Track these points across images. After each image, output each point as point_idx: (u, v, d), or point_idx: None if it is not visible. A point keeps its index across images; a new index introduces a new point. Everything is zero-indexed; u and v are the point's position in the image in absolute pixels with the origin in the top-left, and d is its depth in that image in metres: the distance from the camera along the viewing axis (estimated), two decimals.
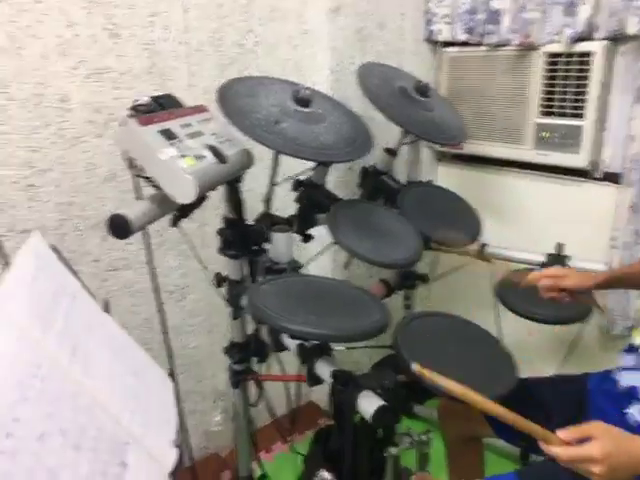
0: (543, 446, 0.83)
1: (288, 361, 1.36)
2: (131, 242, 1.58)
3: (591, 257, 1.57)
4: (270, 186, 1.40)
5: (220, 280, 1.41)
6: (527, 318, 1.37)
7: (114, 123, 1.45)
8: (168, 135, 0.95)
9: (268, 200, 1.42)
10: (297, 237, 1.45)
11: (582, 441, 0.80)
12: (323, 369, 1.05)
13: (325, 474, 1.04)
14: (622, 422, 1.01)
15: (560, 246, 1.62)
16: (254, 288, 0.98)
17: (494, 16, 1.76)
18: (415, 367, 0.87)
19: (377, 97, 1.42)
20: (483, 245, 1.66)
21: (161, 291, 1.45)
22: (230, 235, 1.33)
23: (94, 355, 0.63)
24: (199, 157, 0.98)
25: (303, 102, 1.23)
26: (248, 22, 1.63)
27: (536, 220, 1.89)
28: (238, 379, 1.47)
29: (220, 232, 1.35)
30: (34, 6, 1.27)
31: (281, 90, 1.29)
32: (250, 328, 1.46)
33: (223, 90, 1.21)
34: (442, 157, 2.17)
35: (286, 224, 1.38)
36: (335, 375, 0.98)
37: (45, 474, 0.47)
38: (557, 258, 1.59)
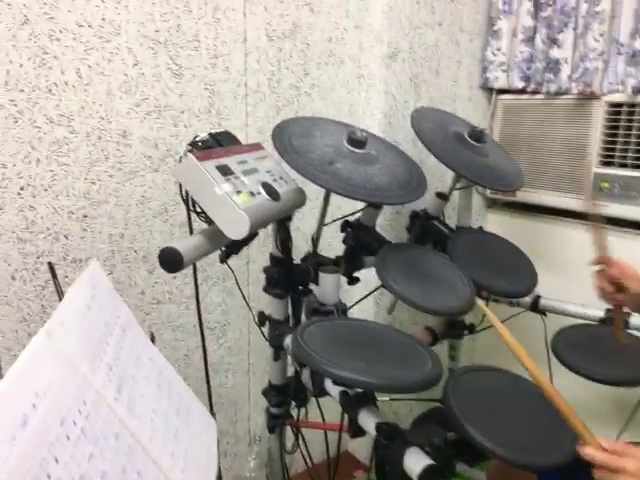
0: (580, 447, 0.80)
1: (328, 407, 1.31)
2: (176, 276, 1.58)
3: None
4: (319, 226, 1.39)
5: (263, 319, 1.39)
6: (588, 378, 1.28)
7: (170, 159, 1.49)
8: (224, 171, 0.95)
9: (315, 240, 1.41)
10: (342, 279, 1.42)
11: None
12: (367, 420, 1.00)
13: None
14: None
15: None
16: (300, 330, 0.95)
17: (553, 65, 1.74)
18: (480, 303, 0.88)
19: (431, 141, 1.40)
20: (537, 297, 1.59)
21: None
22: (276, 273, 1.31)
23: (139, 392, 0.60)
24: (253, 194, 0.98)
25: (358, 143, 1.22)
26: (305, 65, 1.66)
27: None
28: (275, 423, 1.42)
29: (266, 270, 1.33)
30: (104, 45, 1.33)
31: (336, 131, 1.29)
32: (290, 370, 1.42)
33: (278, 129, 1.22)
34: (492, 204, 2.12)
35: (333, 265, 1.35)
36: (380, 428, 0.93)
37: None
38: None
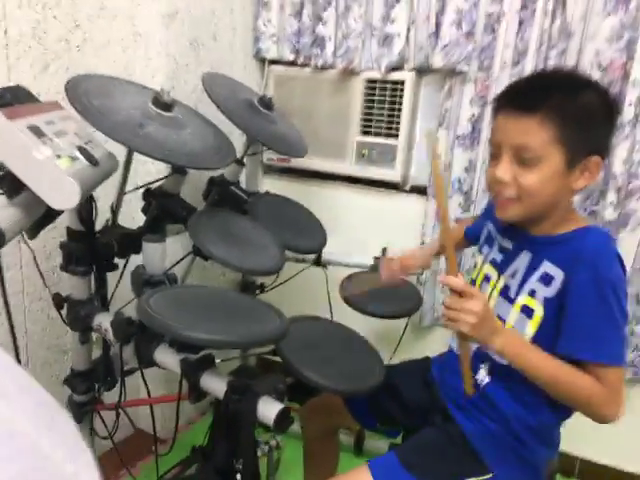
0: (445, 276, 0.90)
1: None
2: None
3: None
4: (119, 195, 1.29)
5: (60, 301, 1.25)
6: (372, 315, 1.51)
7: None
8: (37, 132, 0.81)
9: (116, 210, 1.31)
10: None
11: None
12: (210, 382, 1.01)
13: None
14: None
15: (384, 250, 1.84)
16: (144, 300, 0.90)
17: (320, 41, 1.91)
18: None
19: (228, 108, 1.42)
20: (319, 253, 1.78)
21: None
22: (76, 249, 1.19)
23: None
24: (73, 158, 0.87)
25: (165, 106, 1.17)
26: (75, 16, 1.48)
27: (361, 228, 2.09)
28: (85, 411, 1.30)
29: (63, 246, 1.19)
30: None
31: (135, 92, 1.21)
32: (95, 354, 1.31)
33: (72, 87, 1.08)
34: (268, 170, 2.24)
35: (137, 236, 1.28)
36: (232, 385, 0.96)
37: None
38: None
